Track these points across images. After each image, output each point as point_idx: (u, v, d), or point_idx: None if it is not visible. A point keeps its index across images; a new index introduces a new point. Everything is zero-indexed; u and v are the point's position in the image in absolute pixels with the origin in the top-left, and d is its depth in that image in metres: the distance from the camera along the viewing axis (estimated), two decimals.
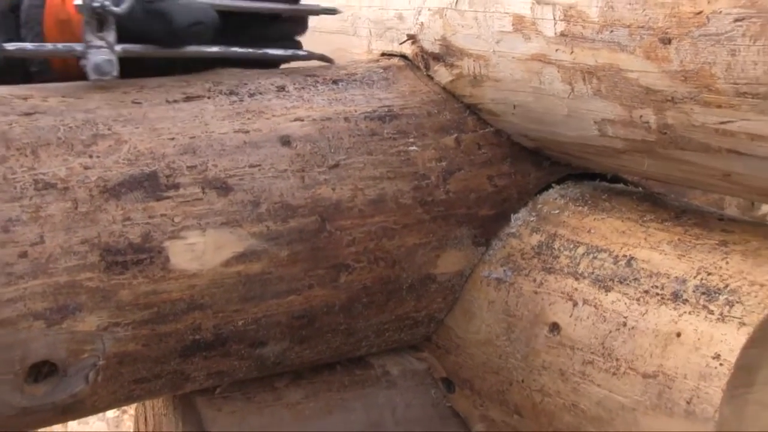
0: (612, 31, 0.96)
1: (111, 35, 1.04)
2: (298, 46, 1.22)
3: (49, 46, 1.09)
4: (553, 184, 1.20)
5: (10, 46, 1.05)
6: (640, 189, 1.20)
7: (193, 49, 1.12)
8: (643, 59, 0.94)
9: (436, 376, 1.21)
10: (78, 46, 1.05)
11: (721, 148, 0.92)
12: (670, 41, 0.91)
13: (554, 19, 1.01)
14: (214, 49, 1.10)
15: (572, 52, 1.00)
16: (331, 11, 1.23)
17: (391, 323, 1.13)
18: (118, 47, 1.05)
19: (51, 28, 1.13)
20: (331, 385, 1.17)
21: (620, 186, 1.19)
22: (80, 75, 1.08)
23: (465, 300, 1.16)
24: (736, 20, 0.86)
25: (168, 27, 1.07)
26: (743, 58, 0.86)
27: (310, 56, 1.23)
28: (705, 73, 0.89)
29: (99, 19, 1.03)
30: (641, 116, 0.97)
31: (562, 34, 1.01)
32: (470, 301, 1.15)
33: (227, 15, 1.13)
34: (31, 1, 1.13)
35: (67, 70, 1.12)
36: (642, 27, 0.93)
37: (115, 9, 1.02)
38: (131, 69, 1.08)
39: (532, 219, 1.15)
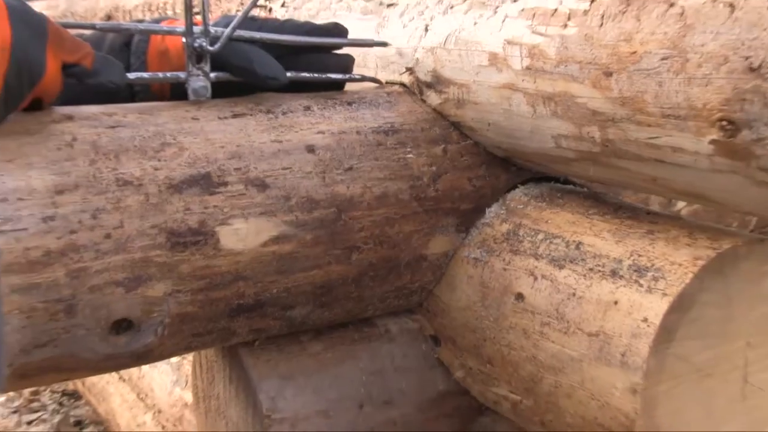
0: (566, 66, 0.98)
1: (206, 66, 1.10)
2: (351, 71, 1.23)
3: (160, 74, 1.13)
4: (518, 185, 1.20)
5: (132, 75, 1.09)
6: (586, 189, 1.21)
7: None
8: (590, 88, 0.96)
9: (426, 333, 1.24)
10: (182, 74, 1.10)
11: (650, 158, 0.95)
12: (611, 74, 0.93)
13: (521, 56, 1.03)
14: (289, 74, 1.12)
15: (535, 82, 1.02)
16: (383, 44, 1.24)
17: (392, 292, 1.16)
18: (212, 75, 1.11)
19: (153, 58, 1.17)
20: (344, 339, 1.20)
21: (570, 186, 1.21)
22: (171, 96, 1.16)
23: (449, 275, 1.18)
24: (662, 59, 0.87)
25: (249, 71, 1.10)
26: (668, 88, 0.87)
27: (363, 78, 1.25)
28: (638, 100, 0.91)
29: (198, 54, 1.09)
30: (588, 132, 0.99)
31: (527, 68, 1.03)
32: (453, 275, 1.17)
33: (297, 48, 1.17)
34: (140, 37, 1.17)
35: (162, 92, 1.18)
36: (590, 63, 0.95)
37: (209, 48, 1.08)
38: (219, 88, 1.13)
39: (502, 212, 1.17)
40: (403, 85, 1.22)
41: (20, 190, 0.92)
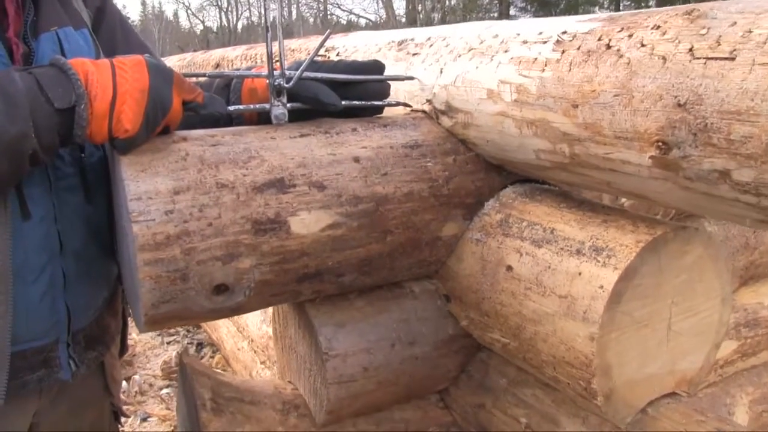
0: (544, 100, 0.98)
1: (284, 98, 1.12)
2: (388, 96, 1.22)
3: (251, 106, 1.15)
4: (508, 185, 1.20)
5: (232, 108, 1.13)
6: (557, 188, 1.21)
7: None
8: (562, 116, 0.96)
9: (440, 292, 1.25)
10: (266, 105, 1.13)
11: (605, 168, 0.95)
12: (577, 106, 0.93)
13: (510, 92, 1.04)
14: (343, 102, 1.14)
15: (521, 111, 1.03)
16: (410, 78, 1.25)
17: (415, 264, 1.17)
18: (288, 105, 1.13)
19: (246, 94, 1.21)
20: (380, 297, 1.22)
21: (546, 186, 1.21)
22: (258, 122, 1.18)
23: (458, 251, 1.19)
24: (615, 95, 0.88)
25: (315, 101, 1.13)
26: (619, 117, 0.88)
27: (397, 104, 1.24)
28: (597, 125, 0.91)
29: (278, 89, 1.11)
30: (560, 148, 0.99)
31: (515, 101, 1.03)
32: (461, 251, 1.18)
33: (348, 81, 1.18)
34: (237, 80, 1.22)
35: (251, 119, 1.22)
36: (561, 97, 0.95)
37: (285, 85, 1.10)
38: (293, 115, 1.15)
39: (496, 205, 1.17)
40: (424, 112, 1.22)
41: (150, 191, 0.95)
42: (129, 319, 1.39)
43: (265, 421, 1.17)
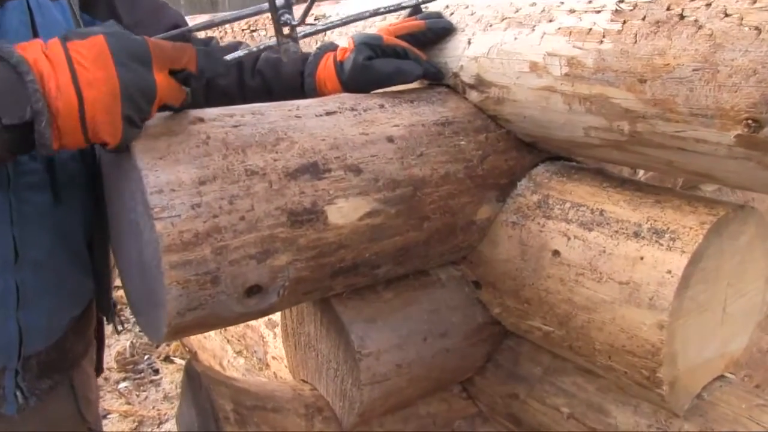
0: (603, 74, 0.90)
1: (296, 34, 0.93)
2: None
3: (254, 48, 0.97)
4: (539, 164, 1.12)
5: (229, 57, 0.93)
6: (590, 166, 1.13)
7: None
8: (625, 91, 0.89)
9: (468, 279, 1.17)
10: (270, 43, 0.96)
11: (672, 146, 0.88)
12: (645, 81, 0.86)
13: (560, 65, 0.95)
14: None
15: (573, 85, 0.94)
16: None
17: (448, 250, 1.08)
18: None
19: (317, 89, 1.14)
20: (408, 287, 1.12)
21: (577, 164, 1.14)
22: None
23: (491, 235, 1.10)
24: (694, 70, 0.81)
25: (398, 74, 1.06)
26: (698, 93, 0.81)
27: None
28: (669, 102, 0.84)
29: (282, 25, 0.92)
30: (618, 125, 0.92)
31: (566, 75, 0.95)
32: (495, 235, 1.10)
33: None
34: (309, 79, 1.15)
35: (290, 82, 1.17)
36: (626, 72, 0.88)
37: (294, 22, 0.92)
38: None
39: (530, 185, 1.09)
40: (447, 86, 1.13)
41: (172, 182, 0.82)
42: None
43: (290, 429, 1.05)
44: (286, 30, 0.92)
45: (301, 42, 0.94)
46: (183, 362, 2.46)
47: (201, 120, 0.89)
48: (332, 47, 1.15)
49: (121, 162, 0.87)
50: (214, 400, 1.00)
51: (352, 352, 1.03)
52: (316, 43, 1.34)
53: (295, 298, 0.96)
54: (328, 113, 0.98)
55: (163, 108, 0.84)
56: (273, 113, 0.95)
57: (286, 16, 0.91)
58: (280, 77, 1.17)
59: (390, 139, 0.99)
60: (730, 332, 1.03)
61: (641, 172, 1.37)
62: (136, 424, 2.20)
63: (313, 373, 1.16)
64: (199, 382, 1.04)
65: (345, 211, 0.93)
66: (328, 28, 1.05)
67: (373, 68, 1.06)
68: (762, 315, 1.07)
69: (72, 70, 0.74)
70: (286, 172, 0.89)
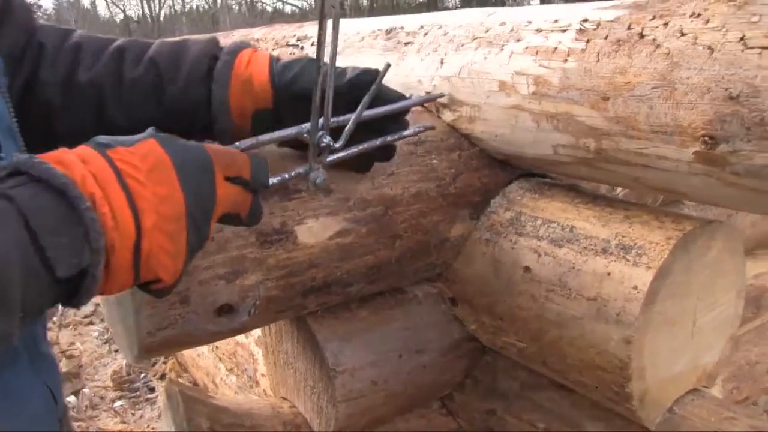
0: (568, 92, 0.91)
1: (326, 158, 0.81)
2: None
3: (289, 175, 0.80)
4: (513, 181, 1.12)
5: (275, 180, 0.78)
6: (563, 182, 1.14)
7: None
8: (589, 109, 0.90)
9: (444, 296, 1.17)
10: (302, 170, 0.81)
11: (637, 163, 0.89)
12: (608, 99, 0.87)
13: (527, 84, 0.96)
14: (377, 142, 0.89)
15: (540, 104, 0.96)
16: (440, 95, 1.06)
17: (422, 267, 1.09)
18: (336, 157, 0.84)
19: (236, 85, 0.86)
20: (384, 304, 1.13)
21: (550, 180, 1.14)
22: (252, 125, 0.88)
23: (466, 252, 1.10)
24: (653, 88, 0.82)
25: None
26: (657, 111, 0.82)
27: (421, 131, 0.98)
28: (631, 119, 0.85)
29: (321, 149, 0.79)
30: (585, 143, 0.93)
31: (533, 93, 0.96)
32: (469, 252, 1.10)
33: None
34: (224, 63, 0.86)
35: (242, 119, 0.88)
36: (589, 90, 0.89)
37: (333, 144, 0.79)
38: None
39: (504, 202, 1.10)
40: (421, 105, 1.14)
41: None
42: None
43: None
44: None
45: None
46: (180, 381, 2.47)
47: None
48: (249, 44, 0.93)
49: None
50: (190, 418, 1.01)
51: (326, 369, 1.04)
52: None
53: (269, 317, 0.97)
54: None
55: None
56: None
57: (327, 139, 0.79)
58: (179, 69, 0.87)
59: None
60: (702, 346, 1.03)
61: (619, 189, 1.38)
62: None
63: (292, 390, 1.17)
64: (176, 401, 1.04)
65: (315, 231, 0.94)
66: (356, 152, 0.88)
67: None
68: (735, 328, 1.07)
69: (125, 188, 0.57)
70: None
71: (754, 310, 1.66)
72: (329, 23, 0.69)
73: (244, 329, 0.96)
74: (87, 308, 3.18)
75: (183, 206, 0.60)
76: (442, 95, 1.08)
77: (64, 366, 2.55)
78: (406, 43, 1.19)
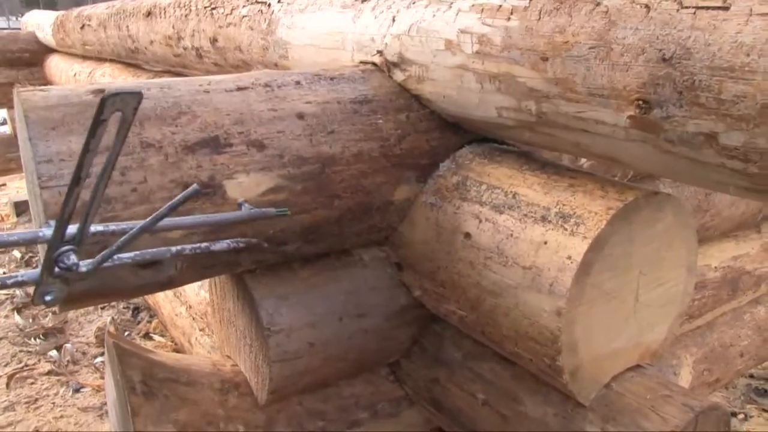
0: (509, 52, 0.88)
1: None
2: None
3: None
4: (465, 145, 1.09)
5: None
6: (517, 149, 1.11)
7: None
8: (529, 69, 0.86)
9: (391, 260, 1.15)
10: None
11: (576, 128, 0.86)
12: (547, 59, 0.83)
13: (471, 42, 0.93)
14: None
15: (483, 64, 0.92)
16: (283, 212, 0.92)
17: (365, 230, 1.07)
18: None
19: None
20: (327, 266, 1.10)
21: (506, 146, 1.11)
22: None
23: (411, 216, 1.08)
24: (590, 48, 0.78)
25: None
26: (594, 72, 0.78)
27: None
28: (569, 81, 0.82)
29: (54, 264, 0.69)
30: (526, 105, 0.89)
31: (477, 52, 0.92)
32: (414, 216, 1.08)
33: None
34: None
35: None
36: (530, 49, 0.85)
37: (80, 267, 0.70)
38: None
39: (452, 166, 1.07)
40: (374, 64, 1.10)
41: (63, 152, 0.81)
42: None
43: (202, 403, 1.05)
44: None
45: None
46: (162, 339, 2.49)
47: (101, 92, 0.88)
48: None
49: (21, 132, 0.87)
50: (124, 371, 1.00)
51: (261, 328, 1.02)
52: None
53: (197, 273, 0.95)
54: (239, 88, 0.97)
55: None
56: (181, 88, 0.94)
57: (72, 258, 0.67)
58: None
59: (300, 116, 0.97)
60: (646, 322, 0.99)
61: (583, 160, 1.34)
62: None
63: (234, 348, 1.16)
64: (113, 354, 1.04)
65: (246, 186, 0.92)
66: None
67: None
68: (684, 305, 1.03)
69: None
70: (184, 146, 0.88)
71: (729, 292, 1.62)
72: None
73: (174, 283, 0.95)
74: None
75: None
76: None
77: (49, 321, 2.58)
78: (363, 0, 1.15)
